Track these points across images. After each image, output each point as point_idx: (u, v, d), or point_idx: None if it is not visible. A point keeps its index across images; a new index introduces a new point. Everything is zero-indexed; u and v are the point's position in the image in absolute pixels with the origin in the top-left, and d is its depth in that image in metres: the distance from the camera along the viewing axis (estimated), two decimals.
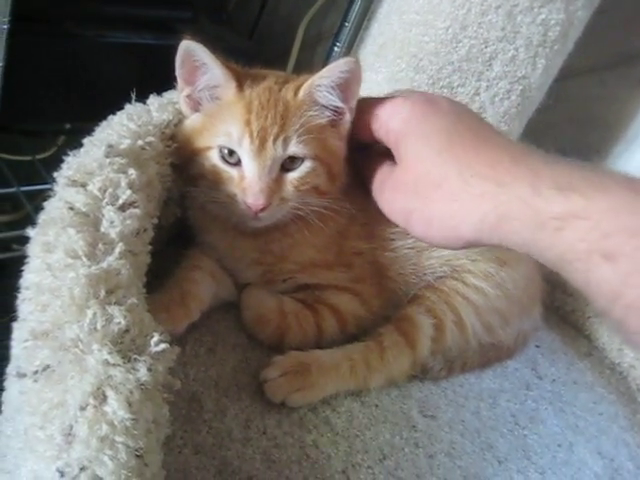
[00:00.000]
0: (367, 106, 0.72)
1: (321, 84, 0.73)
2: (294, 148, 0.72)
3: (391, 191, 0.69)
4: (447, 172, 0.61)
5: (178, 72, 0.74)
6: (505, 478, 0.78)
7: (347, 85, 0.73)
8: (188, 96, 0.75)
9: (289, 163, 0.74)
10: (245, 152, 0.71)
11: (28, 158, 1.25)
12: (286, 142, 0.72)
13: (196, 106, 0.76)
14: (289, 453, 0.68)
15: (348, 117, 0.75)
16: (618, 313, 0.50)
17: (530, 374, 0.97)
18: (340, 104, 0.74)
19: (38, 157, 1.28)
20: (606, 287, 0.50)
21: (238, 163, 0.73)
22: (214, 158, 0.74)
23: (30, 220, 1.07)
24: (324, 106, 0.74)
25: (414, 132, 0.66)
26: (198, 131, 0.75)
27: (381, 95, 0.74)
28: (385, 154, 0.72)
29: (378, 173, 0.72)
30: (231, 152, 0.73)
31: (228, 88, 0.73)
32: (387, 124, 0.69)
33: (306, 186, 0.75)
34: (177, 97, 0.79)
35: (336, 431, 0.73)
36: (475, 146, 0.61)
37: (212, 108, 0.74)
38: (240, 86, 0.73)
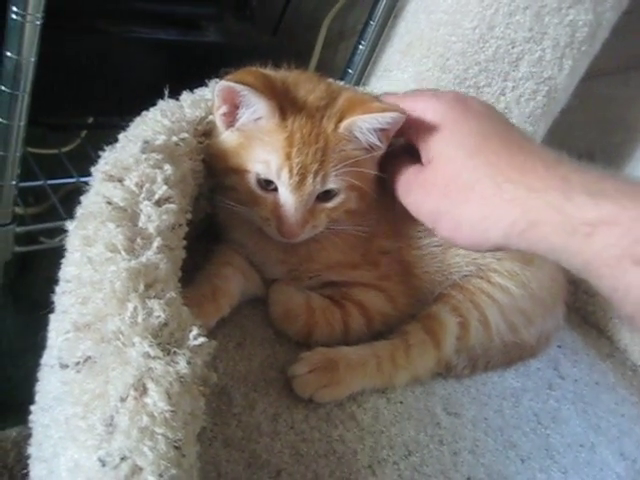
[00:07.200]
0: (398, 103, 0.71)
1: (363, 127, 0.71)
2: (332, 184, 0.73)
3: (419, 192, 0.69)
4: (479, 176, 0.61)
5: (218, 99, 0.73)
6: (528, 476, 0.78)
7: (388, 129, 0.72)
8: (224, 114, 0.73)
9: (323, 194, 0.74)
10: (283, 185, 0.71)
11: (54, 151, 1.26)
12: (324, 178, 0.72)
13: (232, 122, 0.74)
14: (316, 447, 0.69)
15: (383, 148, 0.75)
16: None
17: (552, 374, 0.97)
18: (377, 143, 0.73)
19: (63, 150, 1.29)
20: (635, 292, 0.50)
21: (274, 189, 0.73)
22: (250, 182, 0.73)
23: (55, 213, 1.09)
24: (361, 141, 0.73)
25: (446, 134, 0.66)
26: (234, 149, 0.74)
27: (407, 92, 0.75)
28: (407, 153, 0.72)
29: (403, 174, 0.72)
30: (268, 181, 0.72)
31: (271, 117, 0.71)
32: (417, 124, 0.69)
33: (338, 212, 0.76)
34: (209, 94, 0.79)
35: (362, 427, 0.74)
36: (507, 150, 0.62)
37: (251, 128, 0.72)
38: (283, 115, 0.71)
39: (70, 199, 0.62)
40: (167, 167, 0.64)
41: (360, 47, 1.25)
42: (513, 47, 1.05)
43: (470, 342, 0.85)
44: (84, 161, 0.65)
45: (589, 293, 1.15)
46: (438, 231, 0.67)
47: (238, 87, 0.69)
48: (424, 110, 0.69)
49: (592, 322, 1.16)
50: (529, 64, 1.07)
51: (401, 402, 0.80)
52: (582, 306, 1.17)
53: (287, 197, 0.72)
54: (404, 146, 0.73)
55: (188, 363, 0.50)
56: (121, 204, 0.59)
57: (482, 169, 0.61)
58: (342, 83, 1.01)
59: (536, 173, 0.58)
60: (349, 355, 0.76)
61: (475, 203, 0.61)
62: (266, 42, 1.47)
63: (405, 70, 1.14)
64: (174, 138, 0.69)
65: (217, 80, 0.79)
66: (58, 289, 0.56)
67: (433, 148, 0.67)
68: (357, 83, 1.28)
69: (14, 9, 0.75)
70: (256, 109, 0.71)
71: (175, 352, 0.50)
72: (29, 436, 0.54)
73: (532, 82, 1.09)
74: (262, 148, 0.71)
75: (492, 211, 0.60)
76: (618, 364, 1.08)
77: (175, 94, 0.79)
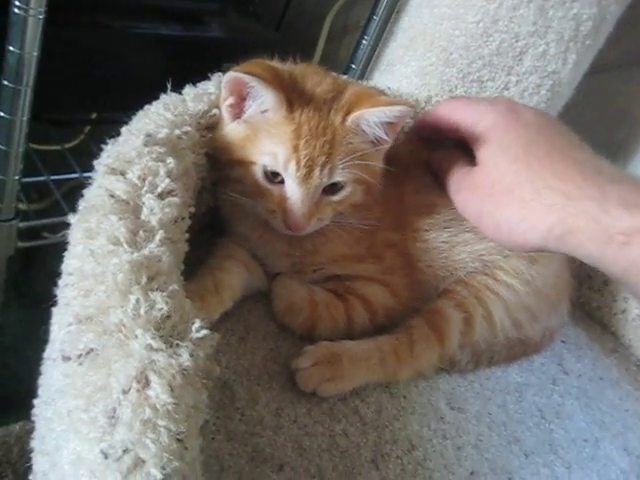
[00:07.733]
0: (457, 108, 0.77)
1: (370, 120, 0.72)
2: (339, 177, 0.73)
3: (467, 192, 0.74)
4: (520, 180, 0.65)
5: (225, 90, 0.73)
6: (531, 471, 0.78)
7: (395, 123, 0.73)
8: (231, 105, 0.74)
9: (330, 187, 0.74)
10: (290, 177, 0.71)
11: (57, 147, 1.26)
12: (332, 171, 0.72)
13: (239, 114, 0.74)
14: (319, 442, 0.69)
15: (390, 142, 0.76)
16: None
17: (556, 369, 0.97)
18: (384, 137, 0.74)
19: (67, 146, 1.29)
20: None
21: (280, 182, 0.73)
22: (256, 174, 0.73)
23: (58, 208, 1.09)
24: (368, 134, 0.74)
25: (495, 142, 0.71)
26: (240, 141, 0.74)
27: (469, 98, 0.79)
28: (460, 153, 0.77)
29: (455, 173, 0.77)
30: (275, 173, 0.72)
31: (279, 109, 0.71)
32: (472, 129, 0.74)
33: (344, 205, 0.77)
34: (211, 88, 0.79)
35: (365, 421, 0.74)
36: (551, 159, 0.65)
37: (258, 120, 0.72)
38: (291, 107, 0.71)
39: (73, 195, 0.62)
40: (170, 160, 0.64)
41: (363, 42, 1.25)
42: (517, 41, 1.05)
43: (474, 338, 0.84)
44: (87, 157, 0.65)
45: (593, 289, 1.14)
46: (481, 229, 0.72)
47: (247, 78, 0.69)
48: (480, 117, 0.74)
49: (596, 317, 1.15)
50: (533, 58, 1.06)
51: (404, 397, 0.79)
52: (586, 302, 1.16)
53: (294, 189, 0.72)
54: (458, 144, 0.77)
55: (191, 356, 0.49)
56: (124, 197, 0.59)
57: (524, 174, 0.66)
58: (345, 78, 1.01)
59: (574, 182, 0.61)
60: (353, 349, 0.76)
61: (515, 206, 0.66)
62: (269, 37, 1.46)
63: (408, 64, 1.14)
64: (177, 131, 0.69)
65: (220, 74, 0.79)
66: (60, 282, 0.56)
67: (483, 153, 0.72)
68: (360, 78, 1.27)
69: (17, 3, 0.75)
70: (264, 100, 0.71)
71: (178, 344, 0.50)
72: (32, 430, 0.54)
73: (536, 76, 1.08)
74: (269, 140, 0.72)
75: (530, 214, 0.64)
76: (622, 359, 1.08)
77: (178, 89, 0.79)
